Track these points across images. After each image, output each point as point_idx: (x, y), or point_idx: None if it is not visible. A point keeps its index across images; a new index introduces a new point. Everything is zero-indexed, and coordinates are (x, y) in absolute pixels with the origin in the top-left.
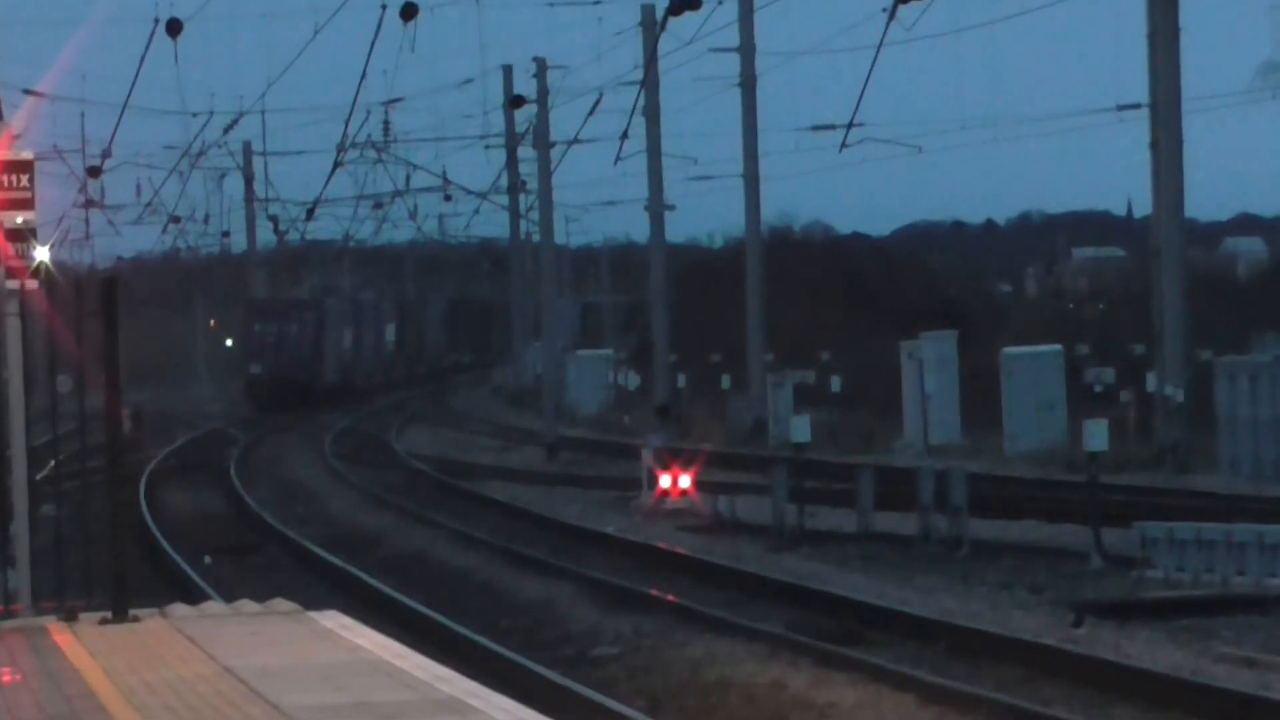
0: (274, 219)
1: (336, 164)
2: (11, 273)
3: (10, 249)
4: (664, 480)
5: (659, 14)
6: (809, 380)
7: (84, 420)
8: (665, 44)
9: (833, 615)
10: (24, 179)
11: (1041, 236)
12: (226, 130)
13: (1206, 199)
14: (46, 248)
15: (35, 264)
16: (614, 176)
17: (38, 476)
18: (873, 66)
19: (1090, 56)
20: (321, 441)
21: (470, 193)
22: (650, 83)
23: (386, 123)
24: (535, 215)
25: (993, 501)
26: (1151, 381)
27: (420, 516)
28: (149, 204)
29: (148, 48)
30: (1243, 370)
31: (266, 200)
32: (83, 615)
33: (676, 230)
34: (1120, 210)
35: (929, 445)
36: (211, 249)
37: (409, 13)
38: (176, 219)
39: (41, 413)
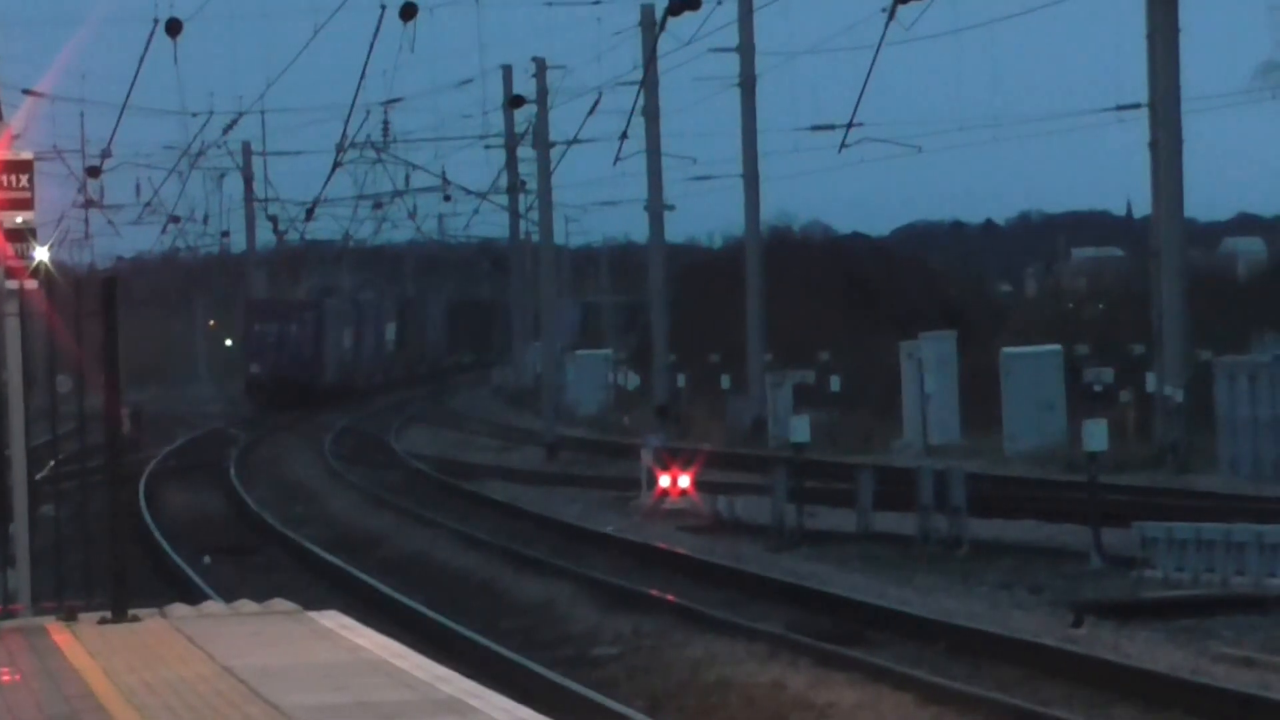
0: (273, 219)
1: (336, 164)
2: (11, 273)
3: (10, 249)
4: (663, 480)
5: (658, 14)
6: (808, 380)
7: (83, 420)
8: (664, 44)
9: (832, 615)
10: (23, 179)
11: (1041, 236)
12: (226, 130)
13: (1206, 199)
14: (46, 248)
15: (35, 264)
16: (613, 176)
17: (37, 476)
18: (872, 66)
19: (1090, 56)
20: (321, 441)
21: (470, 193)
22: (650, 83)
23: (386, 123)
24: (535, 215)
25: (992, 501)
26: (1151, 381)
27: (420, 517)
28: (148, 204)
29: (147, 48)
30: (1242, 370)
31: (266, 200)
32: (82, 615)
33: (676, 230)
34: (1120, 210)
35: (928, 445)
36: (211, 249)
37: (408, 13)
38: (176, 219)
39: (41, 413)
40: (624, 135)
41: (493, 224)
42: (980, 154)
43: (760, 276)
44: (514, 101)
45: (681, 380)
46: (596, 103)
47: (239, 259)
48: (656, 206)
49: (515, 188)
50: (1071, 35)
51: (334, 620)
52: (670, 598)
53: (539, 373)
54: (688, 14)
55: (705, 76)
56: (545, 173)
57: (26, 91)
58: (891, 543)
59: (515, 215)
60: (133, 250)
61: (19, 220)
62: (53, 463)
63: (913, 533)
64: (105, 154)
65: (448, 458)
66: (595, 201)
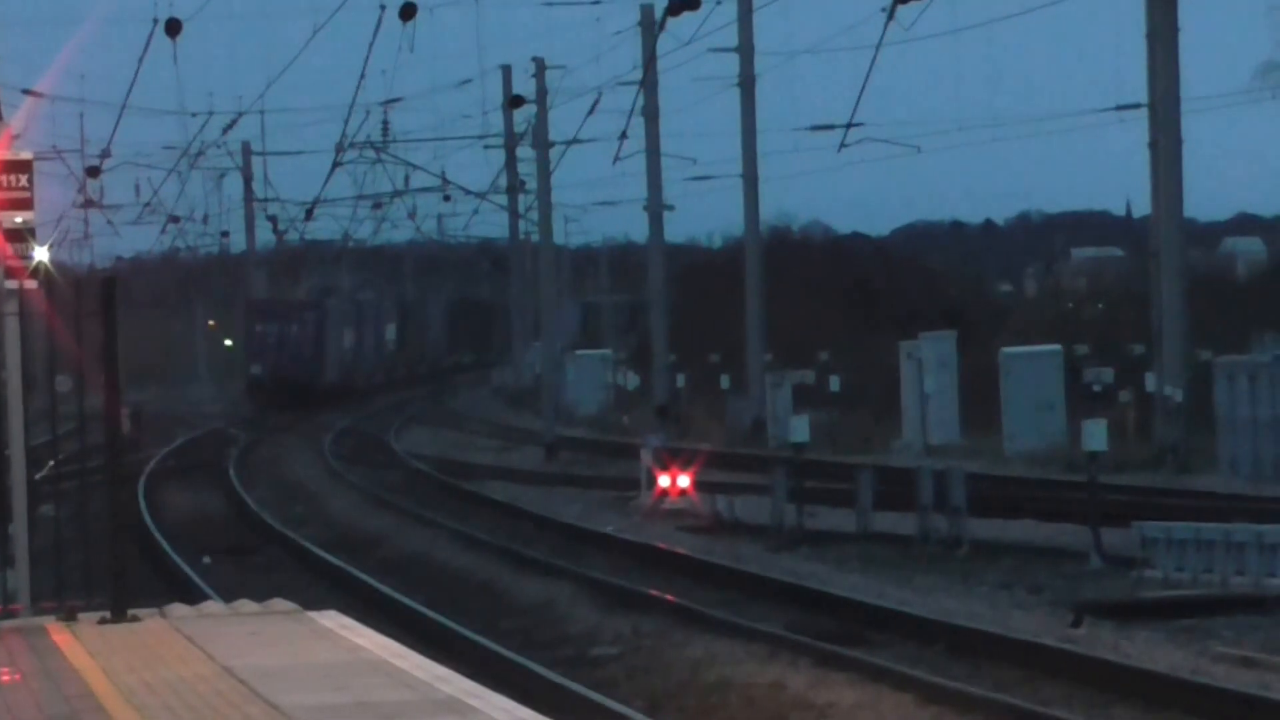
0: (273, 219)
1: (335, 164)
2: (11, 273)
3: (9, 249)
4: (663, 480)
5: (658, 14)
6: (808, 380)
7: (83, 420)
8: (664, 44)
9: (832, 615)
10: (23, 179)
11: (1040, 236)
12: (225, 130)
13: (1206, 199)
14: (45, 248)
15: (34, 264)
16: (613, 176)
17: (37, 476)
18: (871, 66)
19: (1089, 56)
20: (321, 441)
21: (469, 193)
22: (649, 83)
23: (385, 123)
24: (534, 215)
25: (992, 502)
26: (1151, 381)
27: (420, 517)
28: (148, 204)
29: (147, 48)
30: (1242, 370)
31: (265, 200)
32: (82, 615)
33: (675, 230)
34: (1119, 210)
35: (928, 445)
36: (210, 249)
37: (408, 13)
38: (175, 219)
39: (41, 413)
40: (623, 135)
41: (492, 224)
42: (980, 154)
43: (760, 277)
44: (513, 101)
45: (681, 380)
46: (596, 103)
47: (239, 259)
48: (656, 206)
49: (515, 188)
50: (1071, 35)
51: (334, 620)
52: (670, 598)
53: (539, 373)
54: (687, 14)
55: (705, 76)
56: (545, 173)
57: (26, 91)
58: (891, 543)
59: (515, 215)
60: (132, 250)
61: (19, 220)
62: (52, 463)
63: (912, 533)
64: (105, 154)
65: (448, 458)
66: (595, 201)
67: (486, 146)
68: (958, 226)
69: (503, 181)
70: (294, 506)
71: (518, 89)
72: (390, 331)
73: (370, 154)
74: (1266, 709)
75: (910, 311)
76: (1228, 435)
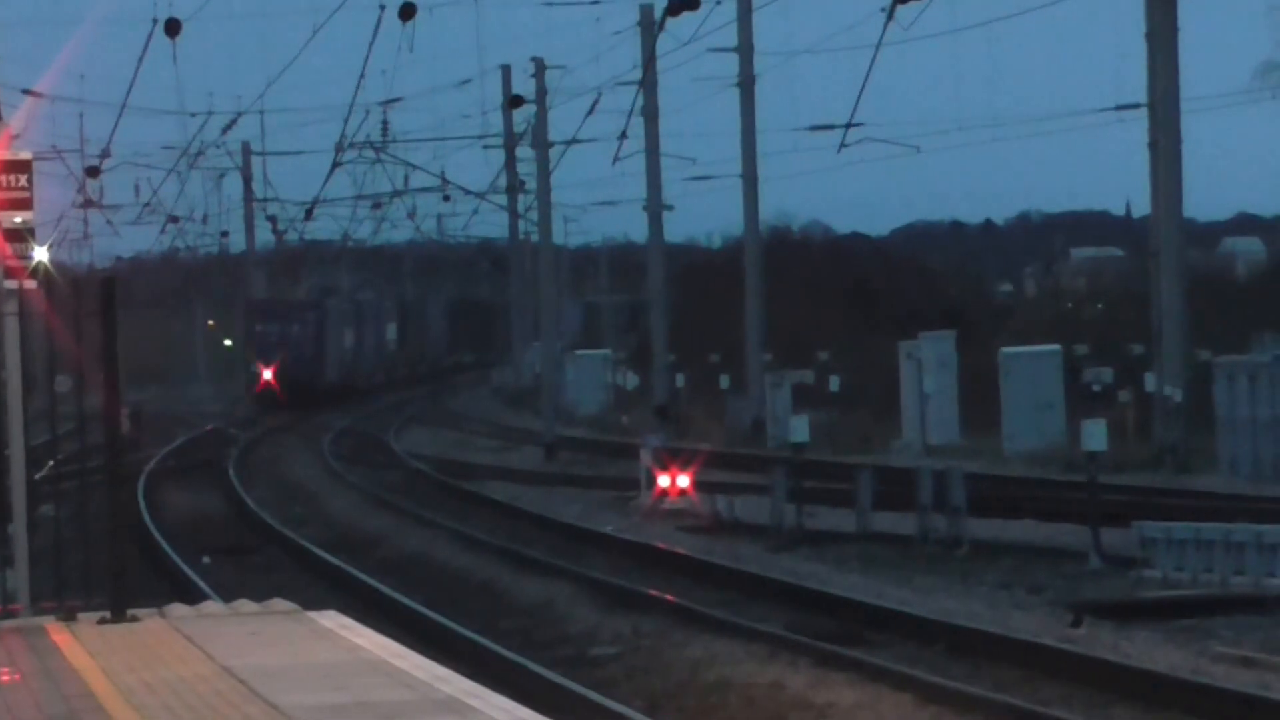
0: (272, 219)
1: (335, 164)
2: (10, 273)
3: (9, 249)
4: (663, 480)
5: (657, 14)
6: (808, 380)
7: (83, 420)
8: (664, 44)
9: (832, 615)
10: (22, 179)
11: (1040, 236)
12: (225, 130)
13: (1205, 199)
14: (45, 248)
15: (34, 264)
16: (612, 176)
17: (36, 476)
18: (871, 66)
19: (1089, 56)
20: (321, 441)
21: (469, 193)
22: (649, 83)
23: (385, 123)
24: (534, 215)
25: (991, 501)
26: (1150, 381)
27: (419, 517)
28: (147, 204)
29: (146, 48)
30: (1241, 370)
31: (265, 200)
32: (81, 615)
33: (675, 230)
34: (1119, 210)
35: (928, 445)
36: (210, 249)
37: (407, 13)
38: (175, 219)
39: (40, 413)
40: (623, 135)
41: (492, 224)
42: (979, 154)
43: (759, 277)
44: (513, 101)
45: (681, 380)
46: (595, 103)
47: (238, 259)
48: (655, 206)
49: (514, 188)
50: (1071, 35)
51: (333, 620)
52: (669, 598)
53: (539, 373)
54: (687, 14)
55: (704, 76)
56: (544, 173)
57: (26, 91)
58: (891, 543)
59: (514, 215)
60: (132, 250)
61: (18, 220)
62: (52, 463)
63: (912, 533)
64: (104, 154)
65: (447, 458)
66: (594, 201)
67: (486, 146)
68: (957, 226)
69: (502, 181)
70: (293, 506)
71: (517, 89)
72: (390, 331)
73: (370, 154)
74: (1266, 709)
75: (910, 311)
76: (1227, 435)
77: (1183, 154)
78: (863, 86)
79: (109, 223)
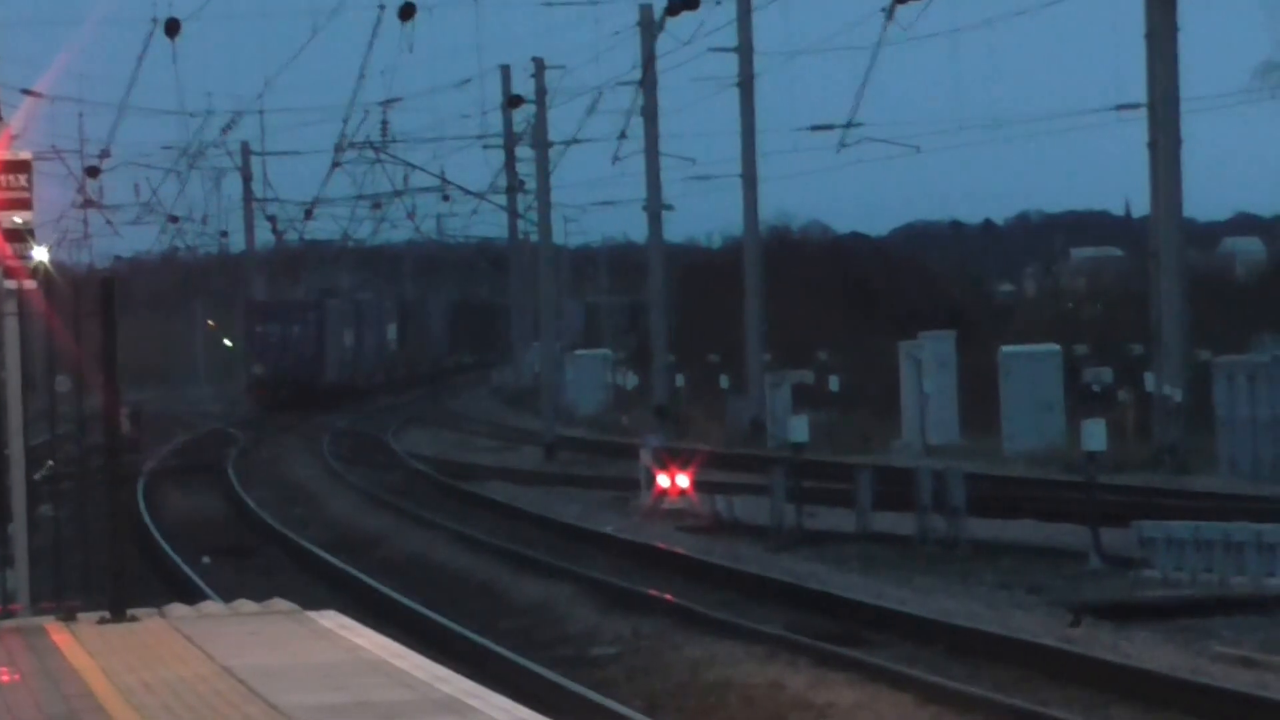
0: (272, 219)
1: (335, 164)
2: (10, 273)
3: (9, 249)
4: (662, 480)
5: (657, 14)
6: (807, 380)
7: (82, 420)
8: (663, 44)
9: (831, 616)
10: (22, 179)
11: (1040, 236)
12: (225, 130)
13: (1205, 199)
14: (45, 248)
15: (33, 264)
16: (612, 176)
17: (36, 476)
18: (871, 66)
19: (1088, 56)
20: (320, 442)
21: (468, 193)
22: (648, 82)
23: (385, 123)
24: (533, 215)
25: (991, 502)
26: (1150, 381)
27: (419, 517)
28: (147, 204)
29: (146, 48)
30: (1241, 370)
31: (265, 200)
32: (81, 615)
33: (675, 230)
34: (1119, 210)
35: (927, 445)
36: (210, 249)
37: (407, 13)
38: (175, 219)
39: (40, 413)
40: (623, 135)
41: (491, 224)
42: (979, 154)
43: (759, 277)
44: (513, 101)
45: (680, 380)
46: (595, 103)
47: (238, 259)
48: (655, 206)
49: (514, 188)
50: (1070, 35)
51: (333, 620)
52: (669, 598)
53: (538, 373)
54: (686, 14)
55: (704, 76)
56: (544, 173)
57: (25, 91)
58: (890, 543)
59: (514, 215)
60: (131, 250)
61: (18, 220)
62: (51, 463)
63: (912, 533)
64: (104, 154)
65: (447, 458)
66: (594, 201)
67: (486, 146)
68: (957, 226)
69: (502, 181)
70: (293, 507)
71: (517, 89)
72: (390, 332)
73: (369, 154)
74: (1266, 709)
75: (910, 311)
76: (1227, 435)
77: (1182, 154)
78: (862, 86)
79: (109, 223)
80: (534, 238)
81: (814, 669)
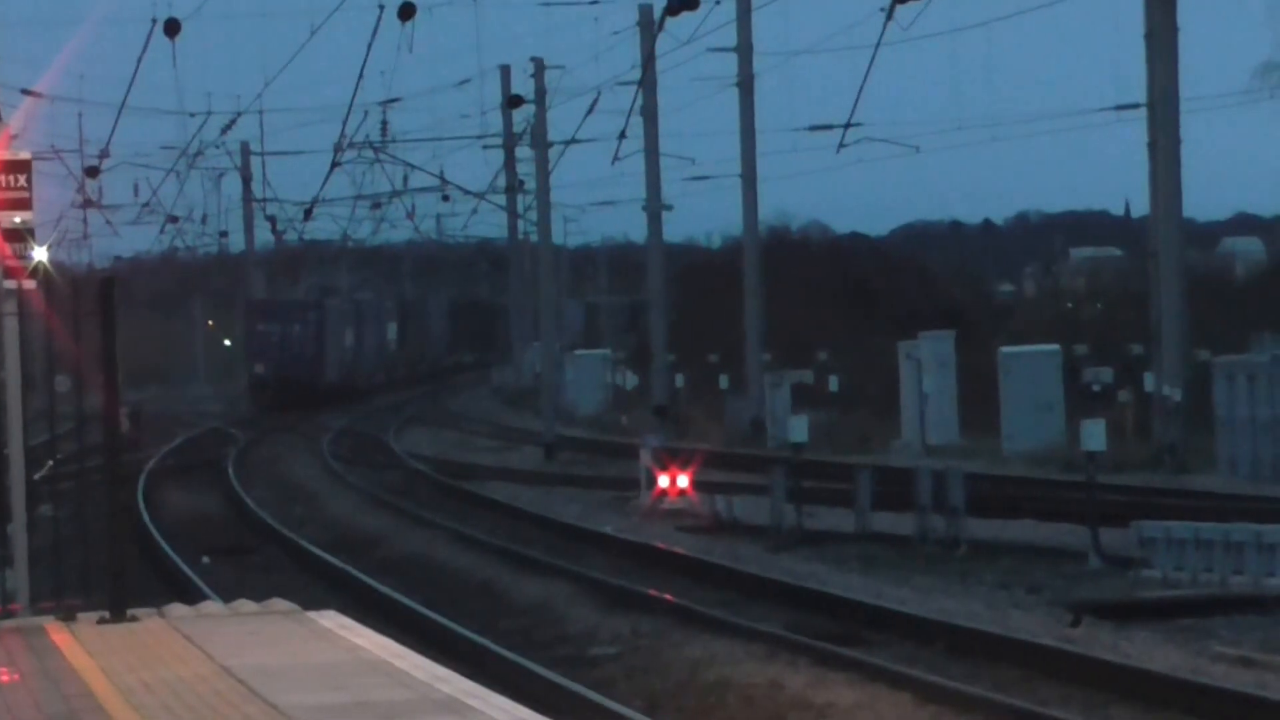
0: (272, 219)
1: (334, 164)
2: (9, 273)
3: (8, 249)
4: (662, 480)
5: (657, 14)
6: (807, 380)
7: (82, 420)
8: (663, 44)
9: (831, 615)
10: (22, 179)
11: (1039, 236)
12: (224, 130)
13: (1204, 199)
14: (44, 248)
15: (33, 264)
16: (612, 176)
17: (36, 476)
18: (870, 66)
19: (1088, 56)
20: (320, 442)
21: (468, 193)
22: (648, 82)
23: (384, 123)
24: (533, 215)
25: (990, 501)
26: (1150, 381)
27: (419, 517)
28: (147, 204)
29: (145, 48)
30: (1241, 370)
31: (264, 200)
32: (81, 615)
33: (674, 230)
34: (1118, 210)
35: (927, 445)
36: (209, 249)
37: (407, 13)
38: (174, 219)
39: (40, 412)
40: (622, 135)
41: (491, 224)
42: (979, 154)
43: (759, 277)
44: (512, 101)
45: (680, 380)
46: (595, 102)
47: (237, 259)
48: (655, 206)
49: (513, 188)
50: (1070, 35)
51: (333, 620)
52: (669, 598)
53: (538, 373)
54: (686, 14)
55: (703, 76)
56: (544, 173)
57: (25, 91)
58: (890, 543)
59: (514, 215)
60: (131, 250)
61: (17, 220)
62: (51, 462)
63: (911, 533)
64: (103, 154)
65: (447, 458)
66: (594, 201)
67: (485, 146)
68: (957, 226)
69: (501, 181)
70: (293, 507)
71: (516, 89)
72: (391, 331)
73: (369, 154)
74: (1265, 709)
75: (909, 311)
76: (1226, 435)
77: (1182, 154)
78: (862, 86)
79: (108, 223)
80: (534, 238)
81: (813, 669)
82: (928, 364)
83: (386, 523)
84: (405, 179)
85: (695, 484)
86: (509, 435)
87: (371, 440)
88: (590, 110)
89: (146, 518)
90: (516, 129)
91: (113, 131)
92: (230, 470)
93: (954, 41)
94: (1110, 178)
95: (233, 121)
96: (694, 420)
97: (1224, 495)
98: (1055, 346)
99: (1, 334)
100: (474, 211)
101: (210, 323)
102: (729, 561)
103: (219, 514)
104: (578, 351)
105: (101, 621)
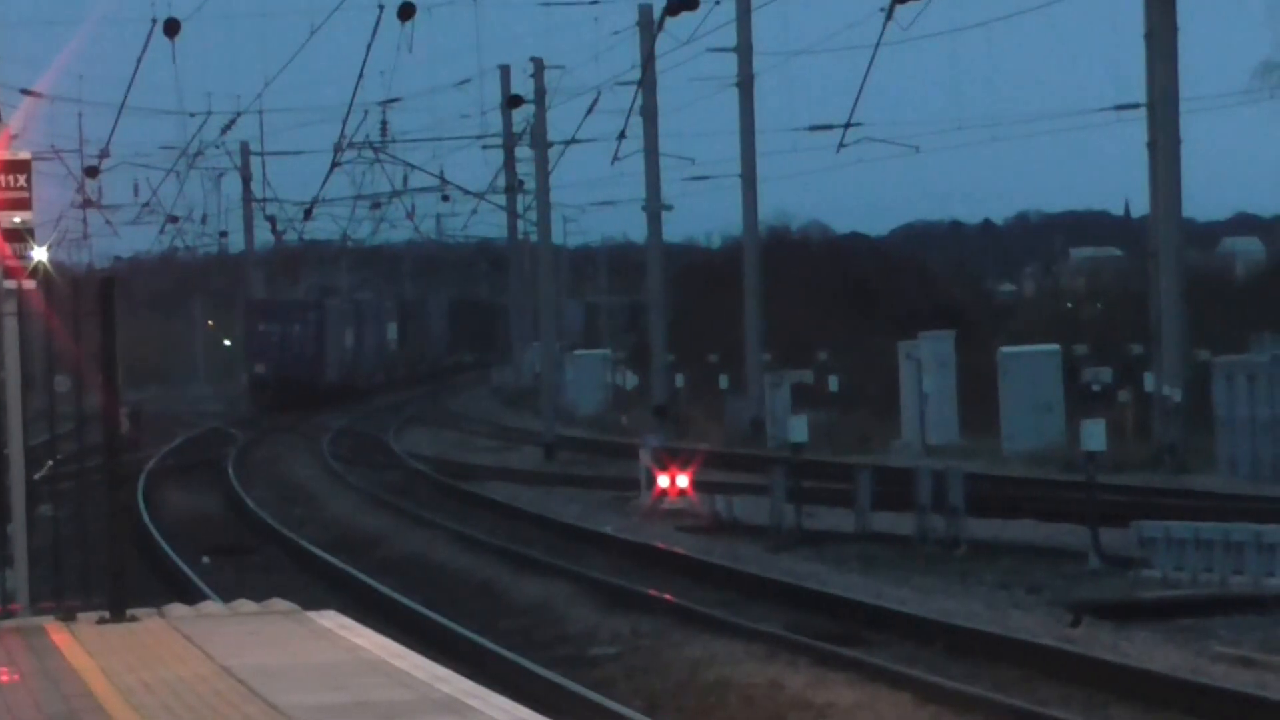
0: (271, 219)
1: (334, 164)
2: (9, 273)
3: (8, 249)
4: (662, 480)
5: (656, 14)
6: (807, 380)
7: (82, 420)
8: (663, 44)
9: (830, 615)
10: (21, 179)
11: (1039, 236)
12: (224, 130)
13: (1204, 198)
14: (44, 248)
15: (33, 264)
16: (611, 176)
17: (35, 476)
18: (870, 66)
19: (1088, 56)
20: (320, 442)
21: (468, 193)
22: (648, 82)
23: (384, 123)
24: (533, 215)
25: (990, 501)
26: (1149, 381)
27: (419, 517)
28: (146, 204)
29: (145, 48)
30: (1240, 370)
31: (264, 200)
32: (81, 615)
33: (674, 230)
34: (1118, 210)
35: (927, 445)
36: (209, 249)
37: (406, 13)
38: (174, 219)
39: (40, 412)
40: (622, 135)
41: (491, 224)
42: (978, 154)
43: (758, 277)
44: (512, 101)
45: (680, 380)
46: (594, 103)
47: (237, 259)
48: (654, 206)
49: (513, 188)
50: (1070, 35)
51: (332, 620)
52: (669, 598)
53: (538, 373)
54: (686, 14)
55: (703, 76)
56: (543, 173)
57: (25, 91)
58: (890, 543)
59: (513, 215)
60: (131, 250)
61: (17, 220)
62: (51, 462)
63: (911, 533)
64: (103, 154)
65: (447, 458)
66: (593, 201)
67: (485, 146)
68: (956, 226)
69: (501, 181)
70: (293, 507)
71: (516, 89)
72: (391, 331)
73: (369, 154)
74: (1265, 709)
75: (909, 311)
76: (1226, 435)
77: (1182, 154)
78: (862, 86)
79: (108, 223)
80: (534, 238)
81: (813, 669)
82: (928, 364)
83: (386, 523)
84: (405, 179)
85: (695, 484)
86: (509, 435)
87: (371, 440)
88: (590, 110)
89: (146, 518)
90: (516, 129)
91: (112, 131)
92: (230, 470)
93: (954, 41)
94: (1110, 178)
95: (232, 121)
96: (694, 420)
97: (1224, 495)
98: (1055, 346)
99: (1, 334)
100: (474, 211)
101: (210, 323)
102: (729, 561)
103: (219, 514)
104: (577, 351)
105: (101, 621)
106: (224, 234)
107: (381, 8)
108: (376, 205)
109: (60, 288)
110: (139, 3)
